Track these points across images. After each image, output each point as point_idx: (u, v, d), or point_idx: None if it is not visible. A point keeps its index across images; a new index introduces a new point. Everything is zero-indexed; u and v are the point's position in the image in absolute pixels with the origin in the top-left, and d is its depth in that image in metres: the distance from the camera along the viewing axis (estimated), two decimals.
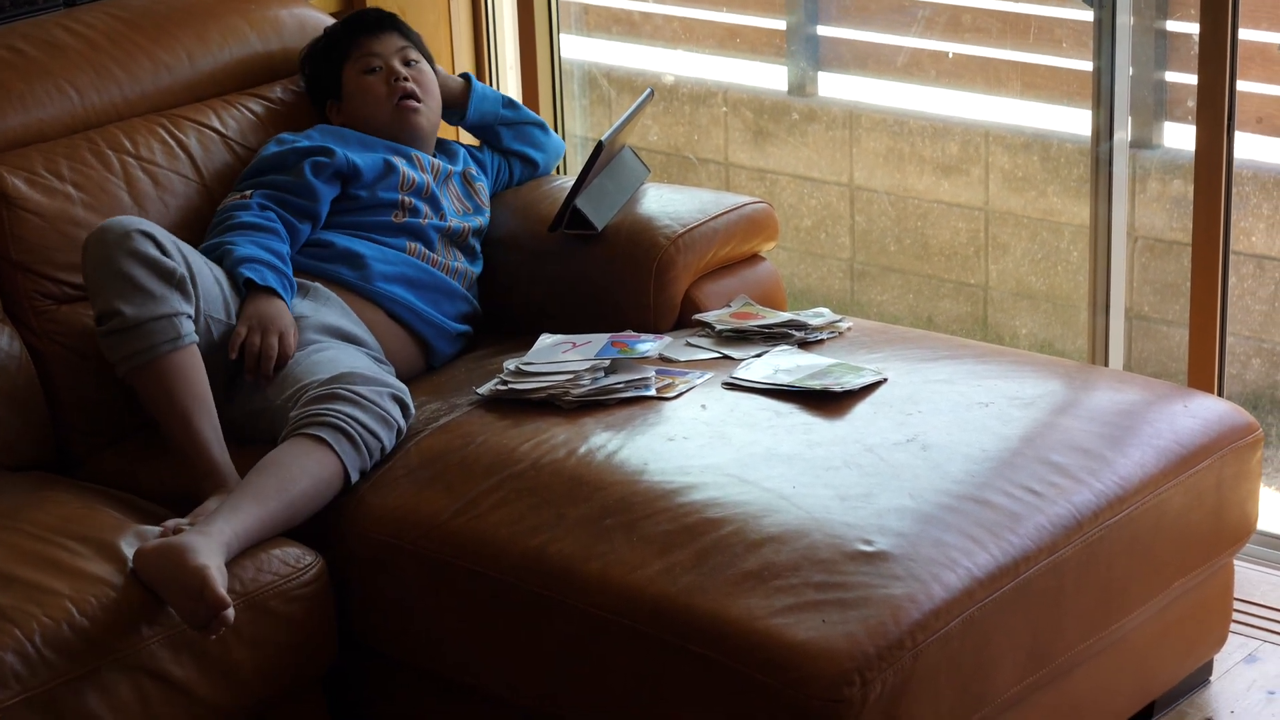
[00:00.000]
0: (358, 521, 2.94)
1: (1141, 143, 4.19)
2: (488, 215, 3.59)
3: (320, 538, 2.93)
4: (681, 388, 3.10)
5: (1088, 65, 3.82)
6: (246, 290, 3.19)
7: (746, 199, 3.56)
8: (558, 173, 3.99)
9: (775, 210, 3.59)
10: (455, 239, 3.49)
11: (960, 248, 4.76)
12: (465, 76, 3.71)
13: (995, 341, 4.59)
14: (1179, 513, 2.92)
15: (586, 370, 3.11)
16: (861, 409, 2.99)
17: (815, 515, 2.67)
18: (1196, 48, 3.40)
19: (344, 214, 3.42)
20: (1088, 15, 3.81)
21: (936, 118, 4.78)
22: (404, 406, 3.05)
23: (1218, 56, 3.37)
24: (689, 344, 3.29)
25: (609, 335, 3.24)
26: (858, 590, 2.52)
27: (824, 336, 3.30)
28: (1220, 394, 3.54)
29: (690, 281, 3.45)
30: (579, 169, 3.46)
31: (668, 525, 2.69)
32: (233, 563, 2.75)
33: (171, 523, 2.81)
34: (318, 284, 3.31)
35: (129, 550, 2.74)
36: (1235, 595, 3.24)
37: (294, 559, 2.85)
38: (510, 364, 3.17)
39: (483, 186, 3.61)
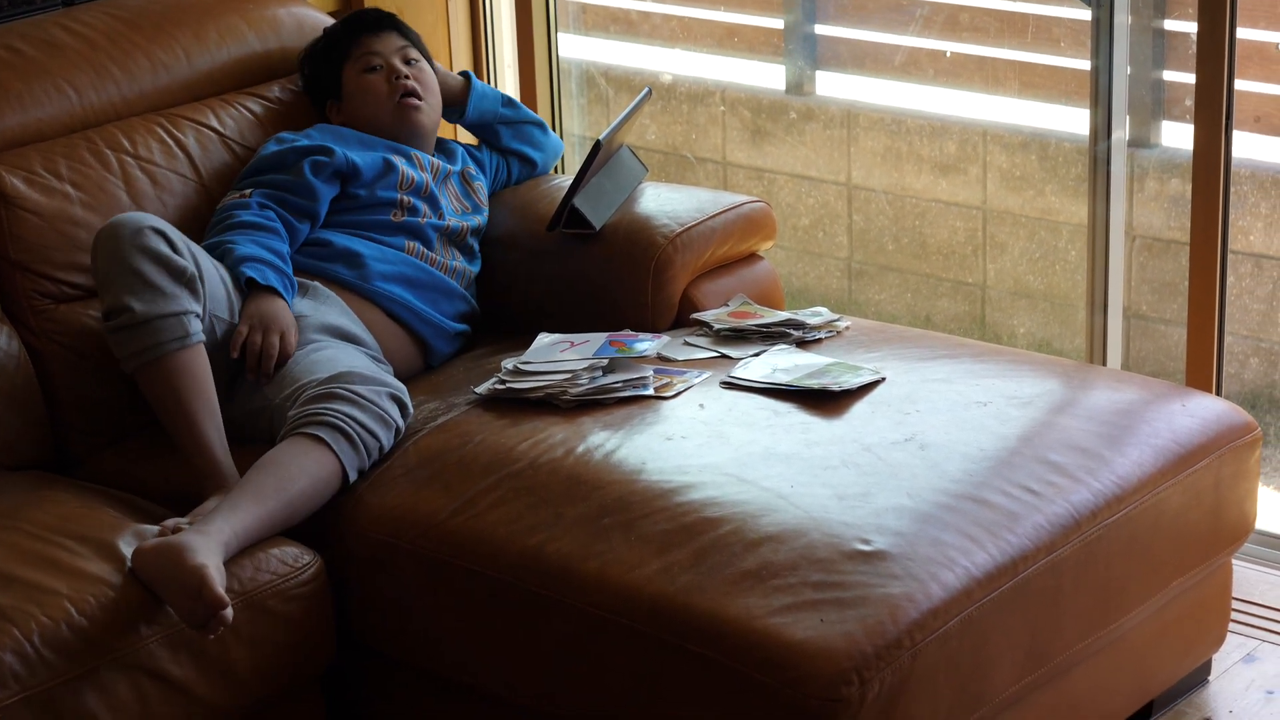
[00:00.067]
0: (356, 521, 2.94)
1: (1139, 142, 4.19)
2: (486, 214, 3.59)
3: (318, 537, 2.93)
4: (679, 387, 3.10)
5: (1086, 64, 3.82)
6: (248, 289, 3.19)
7: (744, 198, 3.56)
8: (556, 172, 3.99)
9: (773, 209, 3.59)
10: (454, 238, 3.49)
11: (958, 247, 4.77)
12: (465, 75, 3.71)
13: (993, 341, 4.59)
14: (1177, 512, 2.92)
15: (584, 369, 3.11)
16: (859, 408, 2.99)
17: (813, 514, 2.67)
18: (1194, 47, 3.40)
19: (343, 213, 3.42)
20: (1086, 14, 3.81)
21: (934, 117, 4.78)
22: (402, 406, 3.06)
23: (1216, 55, 3.37)
24: (687, 343, 3.29)
25: (607, 334, 3.24)
26: (856, 590, 2.52)
27: (822, 336, 3.30)
28: (1218, 393, 3.54)
29: (688, 280, 3.45)
30: (577, 168, 3.46)
31: (666, 524, 2.69)
32: (231, 562, 2.75)
33: (171, 522, 2.81)
34: (317, 283, 3.32)
35: (127, 550, 2.74)
36: (1234, 595, 3.24)
37: (292, 558, 2.85)
38: (508, 363, 3.17)
39: (481, 186, 3.62)
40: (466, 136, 3.85)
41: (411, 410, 3.09)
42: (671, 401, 3.05)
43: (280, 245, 3.27)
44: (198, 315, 3.03)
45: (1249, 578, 3.50)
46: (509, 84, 4.43)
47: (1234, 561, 3.25)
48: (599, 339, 3.22)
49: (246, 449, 3.01)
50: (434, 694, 2.96)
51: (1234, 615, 3.30)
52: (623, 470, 2.84)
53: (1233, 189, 3.51)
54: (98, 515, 2.87)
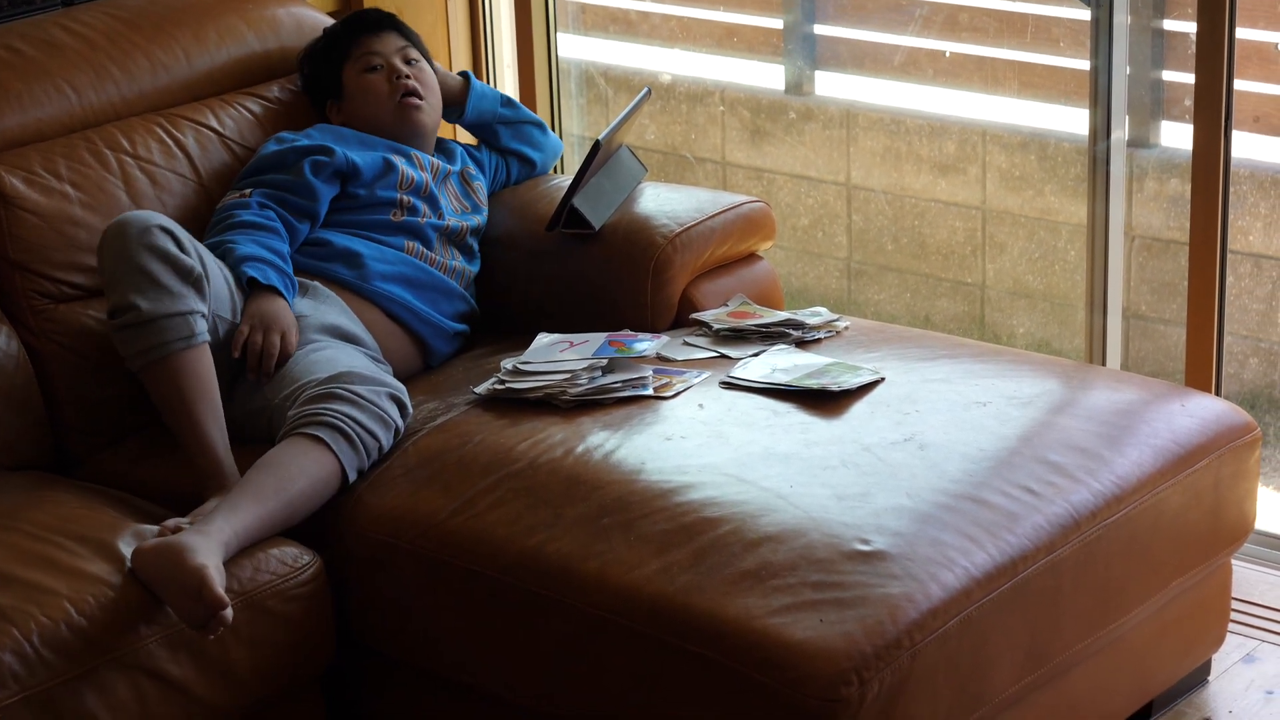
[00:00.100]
0: (355, 521, 2.94)
1: (1139, 142, 4.19)
2: (485, 214, 3.59)
3: (318, 537, 2.93)
4: (679, 387, 3.10)
5: (1085, 64, 3.82)
6: (249, 289, 3.19)
7: (743, 198, 3.56)
8: (555, 172, 3.99)
9: (772, 209, 3.60)
10: (453, 238, 3.49)
11: (957, 247, 4.77)
12: (464, 75, 3.71)
13: (993, 341, 4.59)
14: (1177, 512, 2.92)
15: (584, 369, 3.11)
16: (859, 408, 2.99)
17: (813, 515, 2.67)
18: (1194, 47, 3.40)
19: (342, 213, 3.42)
20: (1085, 14, 3.81)
21: (934, 117, 4.78)
22: (402, 406, 3.06)
23: (1215, 55, 3.37)
24: (686, 343, 3.29)
25: (606, 334, 3.24)
26: (855, 590, 2.52)
27: (821, 336, 3.30)
28: (1218, 393, 3.54)
29: (687, 280, 3.45)
30: (576, 168, 3.46)
31: (665, 524, 2.69)
32: (230, 562, 2.75)
33: (171, 522, 2.81)
34: (317, 283, 3.32)
35: (127, 550, 2.74)
36: (1233, 595, 3.24)
37: (292, 558, 2.85)
38: (508, 363, 3.17)
39: (480, 185, 3.62)
40: (466, 137, 3.85)
41: (411, 410, 3.09)
42: (671, 401, 3.05)
43: (281, 245, 3.27)
44: (203, 315, 3.03)
45: (1249, 578, 3.50)
46: (508, 84, 4.43)
47: (1234, 561, 3.25)
48: (598, 339, 3.22)
49: (246, 449, 3.01)
50: (433, 694, 2.96)
51: (1234, 615, 3.30)
52: (622, 470, 2.84)
53: (1232, 189, 3.51)
54: (97, 515, 2.87)
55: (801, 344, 3.27)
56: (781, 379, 3.08)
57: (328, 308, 3.28)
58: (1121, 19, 3.69)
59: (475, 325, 3.52)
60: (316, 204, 3.37)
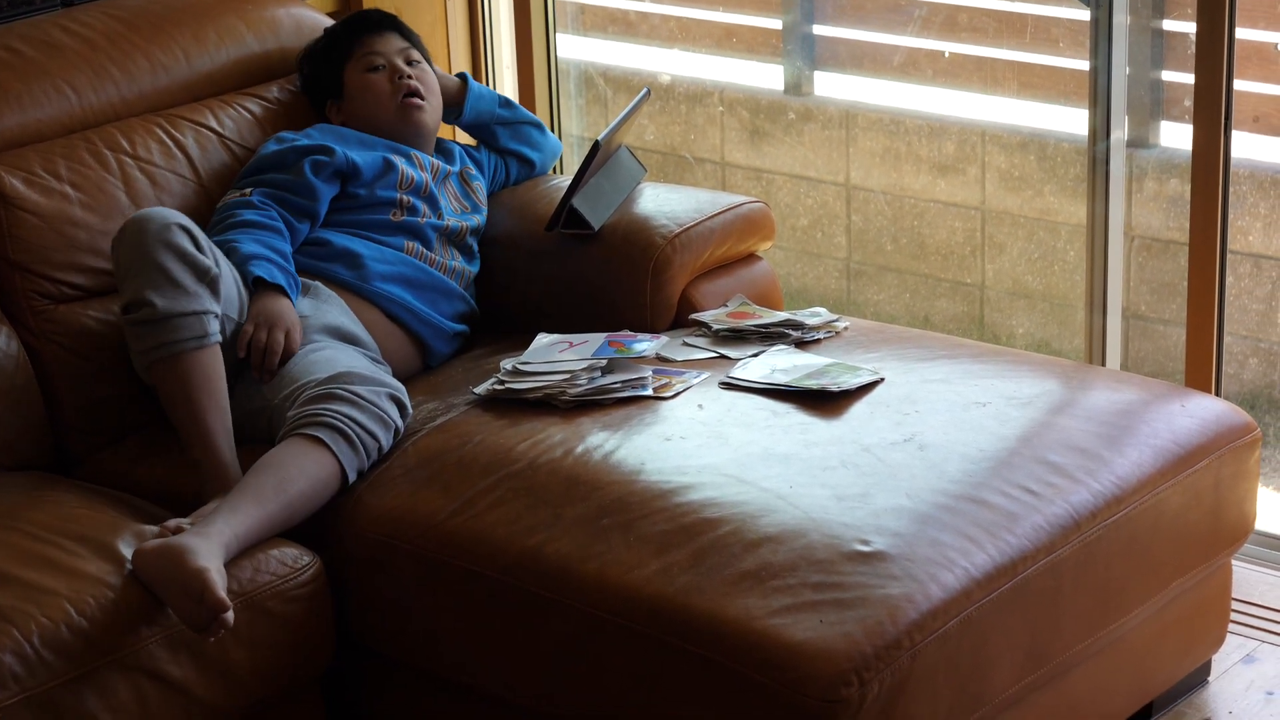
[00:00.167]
0: (355, 521, 2.94)
1: (1138, 142, 4.19)
2: (485, 214, 3.59)
3: (318, 538, 2.93)
4: (678, 387, 3.10)
5: (1085, 64, 3.82)
6: (255, 287, 3.19)
7: (743, 198, 3.56)
8: (554, 172, 3.99)
9: (771, 210, 3.60)
10: (453, 238, 3.49)
11: (957, 247, 4.77)
12: (462, 76, 3.71)
13: (992, 341, 4.59)
14: (1177, 513, 2.92)
15: (583, 370, 3.11)
16: (858, 409, 2.99)
17: (812, 515, 2.67)
18: (1193, 47, 3.40)
19: (342, 212, 3.42)
20: (1085, 14, 3.81)
21: (933, 117, 4.78)
22: (401, 406, 3.05)
23: (1215, 56, 3.37)
24: (686, 343, 3.29)
25: (606, 335, 3.24)
26: (855, 590, 2.52)
27: (821, 336, 3.30)
28: (1218, 393, 3.54)
29: (687, 281, 3.45)
30: (576, 169, 3.46)
31: (665, 525, 2.69)
32: (231, 563, 2.75)
33: (172, 523, 2.81)
34: (318, 283, 3.32)
35: (127, 550, 2.74)
36: (1233, 595, 3.24)
37: (291, 559, 2.85)
38: (507, 364, 3.17)
39: (480, 186, 3.62)
40: (465, 137, 3.85)
41: (410, 411, 3.09)
42: (670, 402, 3.05)
43: (283, 244, 3.27)
44: (216, 316, 3.04)
45: (1249, 578, 3.50)
46: (508, 85, 4.43)
47: (1234, 562, 3.25)
48: (598, 339, 3.22)
49: (246, 449, 3.01)
50: (433, 694, 2.96)
51: (1234, 616, 3.30)
52: (622, 471, 2.83)
53: (1231, 189, 3.51)
54: (97, 515, 2.87)
55: (801, 344, 3.26)
56: (781, 379, 3.08)
57: (329, 308, 3.28)
58: (1121, 19, 3.69)
59: (475, 326, 3.52)
60: (316, 204, 3.37)
